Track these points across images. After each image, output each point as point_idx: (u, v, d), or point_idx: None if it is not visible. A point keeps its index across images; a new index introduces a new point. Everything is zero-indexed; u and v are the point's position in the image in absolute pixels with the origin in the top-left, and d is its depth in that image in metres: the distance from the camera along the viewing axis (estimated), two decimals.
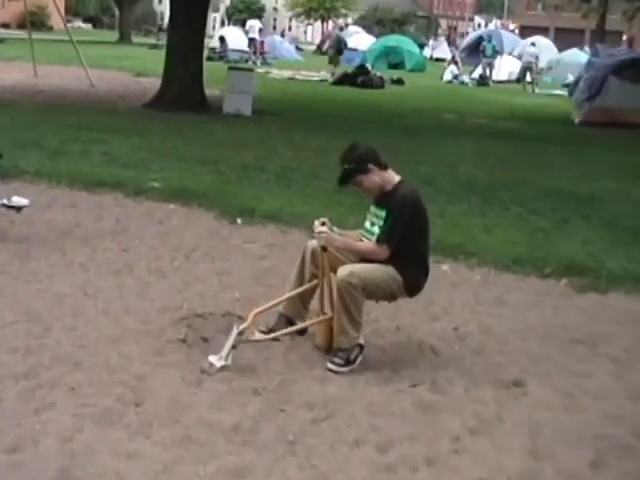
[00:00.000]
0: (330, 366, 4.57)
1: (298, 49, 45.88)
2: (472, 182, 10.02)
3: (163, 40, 25.95)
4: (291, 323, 4.98)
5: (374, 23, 71.59)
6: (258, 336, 4.77)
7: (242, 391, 4.25)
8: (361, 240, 4.81)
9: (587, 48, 38.02)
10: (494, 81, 32.03)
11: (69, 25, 31.59)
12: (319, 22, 72.53)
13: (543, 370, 4.80)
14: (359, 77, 26.23)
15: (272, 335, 4.73)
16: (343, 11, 69.90)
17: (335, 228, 4.75)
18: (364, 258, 4.69)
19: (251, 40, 35.40)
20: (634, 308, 5.99)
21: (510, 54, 37.20)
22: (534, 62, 30.82)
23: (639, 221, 8.46)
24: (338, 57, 29.82)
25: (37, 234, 6.81)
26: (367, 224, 4.84)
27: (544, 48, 36.52)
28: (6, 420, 3.75)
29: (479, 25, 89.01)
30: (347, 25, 38.66)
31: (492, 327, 5.47)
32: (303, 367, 4.61)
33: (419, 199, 4.76)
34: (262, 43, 36.46)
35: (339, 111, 18.14)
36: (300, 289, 4.92)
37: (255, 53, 35.17)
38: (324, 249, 4.65)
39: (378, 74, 27.56)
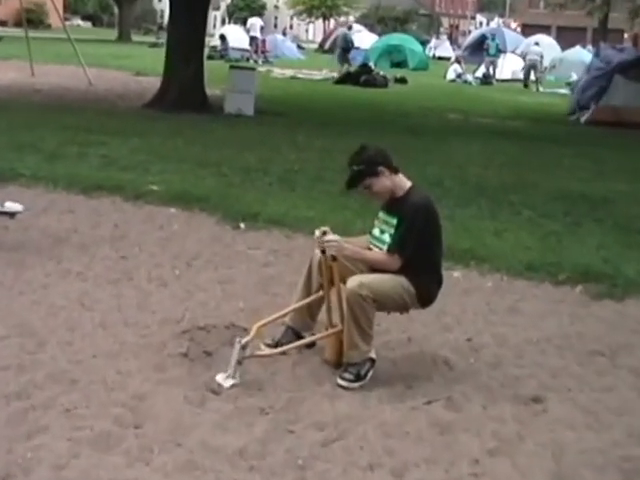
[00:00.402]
0: (340, 382, 4.35)
1: (300, 48, 45.63)
2: (481, 184, 9.78)
3: (163, 38, 25.70)
4: (298, 336, 4.75)
5: (376, 21, 71.38)
6: (264, 350, 4.55)
7: (248, 410, 4.02)
8: (369, 248, 4.58)
9: (590, 47, 37.81)
10: (497, 80, 31.78)
11: (67, 23, 31.47)
12: (320, 20, 72.23)
13: (562, 384, 4.58)
14: (362, 76, 26.00)
15: (279, 350, 4.50)
16: (345, 9, 69.59)
17: (337, 236, 4.50)
18: (375, 268, 4.46)
19: (252, 39, 35.24)
20: None
21: (513, 52, 36.90)
22: (539, 61, 30.62)
23: None
24: (347, 56, 29.62)
25: (32, 241, 6.59)
26: (376, 231, 4.61)
27: (547, 47, 36.22)
28: None
29: (480, 23, 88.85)
30: (347, 26, 38.20)
31: (507, 338, 5.24)
32: (312, 383, 4.39)
33: (432, 206, 4.54)
34: (263, 42, 36.26)
35: (342, 111, 17.91)
36: (307, 300, 4.70)
37: (256, 52, 34.99)
38: (333, 259, 4.41)
39: (381, 73, 27.35)
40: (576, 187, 9.92)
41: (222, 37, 35.53)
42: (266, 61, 34.04)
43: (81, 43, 23.65)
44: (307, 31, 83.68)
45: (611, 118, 17.47)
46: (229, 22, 64.94)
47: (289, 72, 29.05)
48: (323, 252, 4.48)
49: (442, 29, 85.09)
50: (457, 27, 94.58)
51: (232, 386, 4.20)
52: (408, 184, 4.55)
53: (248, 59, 33.63)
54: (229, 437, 3.75)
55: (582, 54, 33.09)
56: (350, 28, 34.80)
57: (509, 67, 33.79)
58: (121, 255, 6.43)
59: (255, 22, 36.17)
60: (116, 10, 57.25)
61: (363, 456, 3.68)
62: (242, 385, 4.23)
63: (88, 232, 6.97)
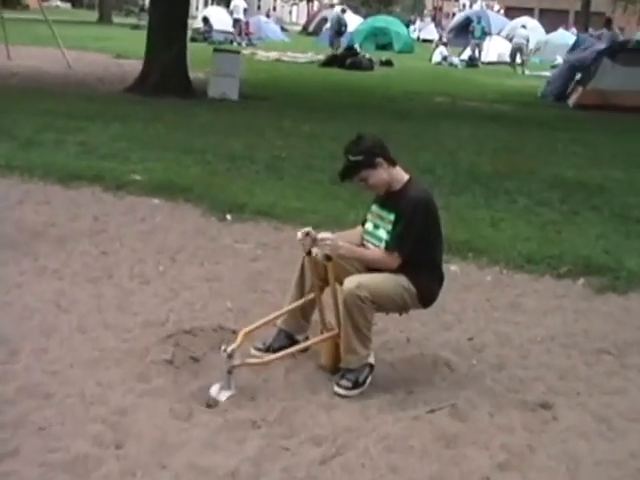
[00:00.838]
0: (338, 390, 4.06)
1: (283, 30, 45.12)
2: (474, 171, 9.49)
3: (145, 20, 25.20)
4: (291, 339, 4.46)
5: (360, 3, 70.72)
6: (255, 359, 4.22)
7: (239, 424, 3.73)
8: (363, 245, 4.28)
9: (574, 29, 37.60)
10: (483, 63, 31.52)
11: (46, 4, 30.91)
12: (304, 2, 71.55)
13: (570, 387, 4.33)
14: (348, 59, 25.67)
15: (271, 357, 4.18)
16: None
17: (330, 234, 4.17)
18: (372, 267, 4.17)
19: (236, 21, 34.78)
20: None
21: (498, 35, 36.61)
22: (525, 44, 30.35)
23: None
24: (339, 39, 29.20)
25: (6, 235, 6.21)
26: (369, 226, 4.31)
27: (532, 29, 35.93)
28: None
29: (464, 5, 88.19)
30: (339, 8, 37.63)
31: (510, 337, 4.98)
32: (307, 391, 4.10)
33: (432, 201, 4.25)
34: (247, 24, 35.80)
35: (329, 95, 17.55)
36: (300, 302, 4.39)
37: (240, 34, 34.51)
38: (328, 258, 4.10)
39: (367, 56, 26.99)
40: (571, 174, 9.64)
41: (205, 19, 35.00)
42: (250, 43, 33.58)
43: (60, 25, 23.16)
44: (291, 13, 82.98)
45: (599, 101, 17.31)
46: (212, 4, 64.21)
47: (273, 55, 28.62)
48: (308, 254, 4.18)
49: (426, 11, 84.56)
50: (441, 9, 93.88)
51: (229, 398, 3.91)
52: (406, 177, 4.26)
53: (232, 42, 33.14)
54: (219, 456, 3.45)
55: (566, 37, 32.88)
56: (344, 11, 34.26)
57: (495, 50, 33.53)
58: (101, 250, 6.10)
59: (238, 4, 35.56)
60: None
61: (365, 474, 3.40)
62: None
63: (66, 225, 6.63)
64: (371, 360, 4.19)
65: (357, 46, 29.60)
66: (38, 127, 10.46)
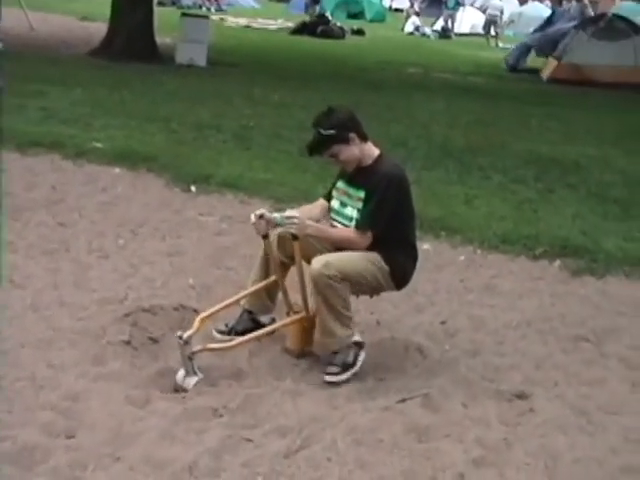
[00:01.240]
0: (328, 378, 3.87)
1: None
2: (447, 145, 9.29)
3: None
4: (255, 320, 4.23)
5: None
6: (217, 343, 3.97)
7: (199, 413, 3.50)
8: (330, 223, 4.05)
9: (548, 2, 37.34)
10: (456, 34, 31.24)
11: None
12: None
13: (548, 377, 4.14)
14: (319, 26, 25.29)
15: (235, 342, 3.93)
16: None
17: (276, 214, 3.93)
18: (342, 247, 3.94)
19: None
20: (638, 296, 5.34)
21: (472, 6, 36.29)
22: (499, 15, 30.08)
23: (625, 192, 7.85)
24: (315, 6, 28.73)
25: None
26: (336, 204, 4.08)
27: (506, 1, 35.62)
28: None
29: None
30: None
31: (485, 321, 4.80)
32: (271, 377, 3.88)
33: (405, 177, 4.03)
34: None
35: (299, 63, 17.23)
36: (264, 282, 4.16)
37: None
38: (295, 237, 3.85)
39: (338, 24, 26.61)
40: (546, 150, 9.48)
41: None
42: (219, 9, 32.94)
43: None
44: None
45: (573, 76, 17.16)
46: None
47: (243, 21, 28.10)
48: (265, 237, 3.93)
49: None
50: None
51: (197, 382, 3.70)
52: (376, 152, 4.02)
53: (201, 6, 32.47)
54: (177, 448, 3.22)
55: (540, 9, 32.57)
56: None
57: (468, 21, 33.23)
58: (58, 222, 5.82)
59: None
60: None
61: (332, 470, 3.19)
62: None
63: (22, 195, 6.31)
64: (356, 338, 3.98)
65: (328, 14, 29.15)
66: None
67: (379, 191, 3.87)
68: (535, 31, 22.32)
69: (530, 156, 9.04)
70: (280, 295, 4.19)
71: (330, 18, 27.63)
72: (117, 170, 7.16)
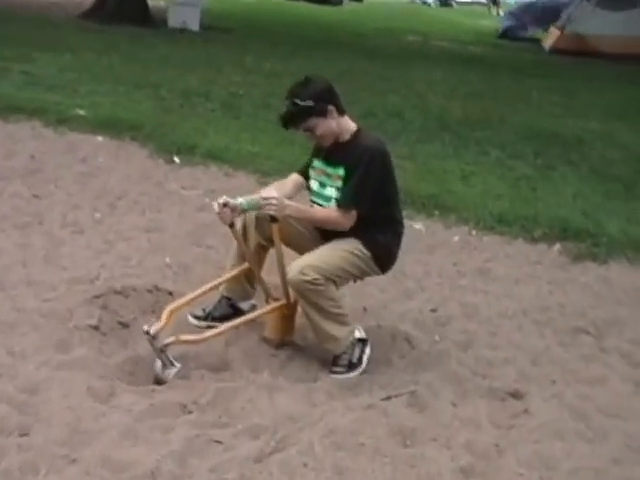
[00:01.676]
0: (335, 377, 3.64)
1: None
2: (444, 117, 8.98)
3: None
4: (234, 307, 3.97)
5: None
6: (189, 335, 3.67)
7: (166, 408, 3.23)
8: (312, 204, 3.76)
9: None
10: (457, 2, 30.77)
11: None
12: None
13: (544, 373, 3.87)
14: None
15: (210, 334, 3.65)
16: None
17: (241, 199, 3.62)
18: (323, 227, 3.65)
19: None
20: None
21: None
22: None
23: (630, 169, 7.57)
24: None
25: None
26: (315, 185, 3.77)
27: None
28: None
29: None
30: None
31: (478, 309, 4.54)
32: (247, 369, 3.61)
33: (387, 151, 3.68)
34: None
35: (295, 29, 16.84)
36: (241, 268, 3.87)
37: None
38: (273, 219, 3.56)
39: None
40: (546, 124, 9.18)
41: None
42: None
43: None
44: None
45: (576, 46, 16.76)
46: None
47: None
48: (231, 226, 3.64)
49: None
50: None
51: (177, 373, 3.46)
52: (354, 127, 3.70)
53: None
54: (139, 449, 2.95)
55: None
56: None
57: None
58: (33, 193, 5.55)
59: None
60: None
61: (307, 476, 2.92)
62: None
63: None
64: (357, 335, 3.74)
65: None
66: None
67: (361, 166, 3.56)
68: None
69: (530, 130, 8.75)
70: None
71: None
72: (99, 139, 6.88)
